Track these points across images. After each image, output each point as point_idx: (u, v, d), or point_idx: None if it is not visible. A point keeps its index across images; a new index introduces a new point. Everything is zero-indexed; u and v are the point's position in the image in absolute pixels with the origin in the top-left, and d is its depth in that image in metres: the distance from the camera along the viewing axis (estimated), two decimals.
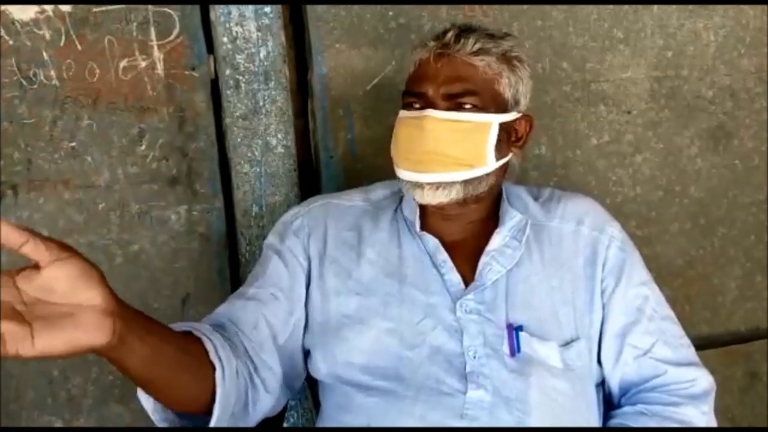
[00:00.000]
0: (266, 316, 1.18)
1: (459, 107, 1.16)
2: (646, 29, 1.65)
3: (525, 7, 1.59)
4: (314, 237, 1.25)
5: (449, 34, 1.18)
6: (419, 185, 1.17)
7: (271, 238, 1.28)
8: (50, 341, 0.73)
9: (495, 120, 1.17)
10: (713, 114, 1.73)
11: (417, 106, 1.19)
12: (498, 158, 1.19)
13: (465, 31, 1.19)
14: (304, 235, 1.25)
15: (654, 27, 1.65)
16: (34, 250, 0.72)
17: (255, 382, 1.13)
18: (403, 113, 1.21)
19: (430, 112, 1.15)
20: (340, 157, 1.58)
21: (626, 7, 1.63)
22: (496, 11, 1.58)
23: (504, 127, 1.19)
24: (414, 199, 1.20)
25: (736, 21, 1.69)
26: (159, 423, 1.05)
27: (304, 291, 1.22)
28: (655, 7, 1.64)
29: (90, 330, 0.76)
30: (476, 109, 1.16)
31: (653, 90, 1.69)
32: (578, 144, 1.68)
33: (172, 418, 1.05)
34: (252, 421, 1.15)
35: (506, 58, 1.20)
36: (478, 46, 1.17)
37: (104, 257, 1.48)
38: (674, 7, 1.65)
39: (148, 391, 0.98)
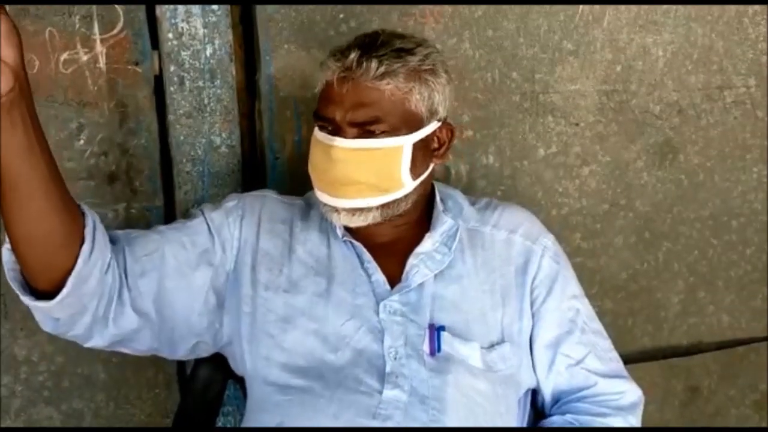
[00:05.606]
0: (165, 253, 1.15)
1: (368, 133, 1.12)
2: (596, 42, 1.66)
3: (476, 15, 1.59)
4: (247, 222, 1.23)
5: (351, 57, 1.12)
6: (335, 209, 1.15)
7: (204, 206, 1.27)
8: None
9: (407, 141, 1.14)
10: (660, 129, 1.74)
11: (328, 129, 1.16)
12: (416, 177, 1.17)
13: (368, 51, 1.12)
14: (236, 216, 1.23)
15: (604, 41, 1.66)
16: None
17: (123, 296, 1.09)
18: (317, 132, 1.18)
19: (338, 142, 1.12)
20: (287, 158, 1.57)
21: (577, 19, 1.63)
22: (446, 19, 1.58)
23: (420, 143, 1.16)
24: (332, 223, 1.19)
25: (684, 38, 1.70)
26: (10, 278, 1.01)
27: (210, 266, 1.19)
28: (606, 20, 1.65)
29: None
30: (386, 133, 1.13)
31: (601, 103, 1.70)
32: (526, 154, 1.68)
33: (20, 280, 1.01)
34: (108, 335, 1.10)
35: (416, 73, 1.15)
36: (381, 69, 1.11)
37: None
38: (624, 21, 1.66)
39: (6, 202, 0.94)
